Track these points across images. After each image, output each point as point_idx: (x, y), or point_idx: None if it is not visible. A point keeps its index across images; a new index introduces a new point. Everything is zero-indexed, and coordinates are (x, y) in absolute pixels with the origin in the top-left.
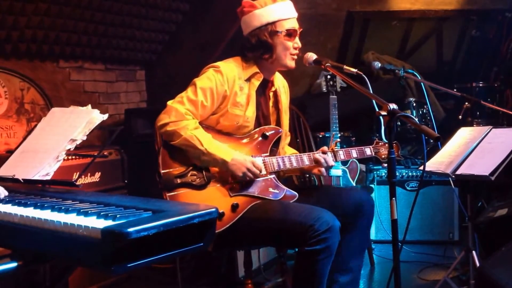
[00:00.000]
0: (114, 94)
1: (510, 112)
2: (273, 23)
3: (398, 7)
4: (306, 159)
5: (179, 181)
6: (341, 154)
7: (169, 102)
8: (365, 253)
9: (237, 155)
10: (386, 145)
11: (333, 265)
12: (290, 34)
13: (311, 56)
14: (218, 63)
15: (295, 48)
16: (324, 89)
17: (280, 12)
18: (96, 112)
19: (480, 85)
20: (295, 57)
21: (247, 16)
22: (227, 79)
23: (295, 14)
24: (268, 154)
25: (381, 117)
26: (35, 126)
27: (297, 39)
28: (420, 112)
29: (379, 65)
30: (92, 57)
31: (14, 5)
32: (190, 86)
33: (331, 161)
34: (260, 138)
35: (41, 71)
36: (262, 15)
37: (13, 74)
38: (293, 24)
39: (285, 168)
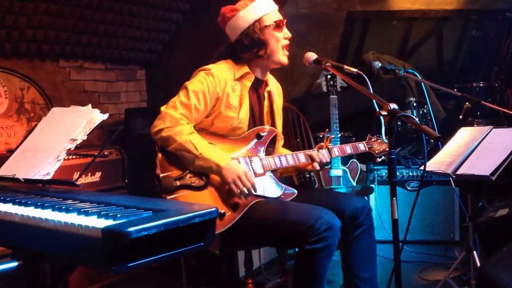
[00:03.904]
0: (114, 94)
1: (511, 112)
2: (259, 19)
3: (398, 6)
4: (302, 156)
5: (178, 183)
6: (336, 151)
7: (163, 108)
8: (376, 260)
9: (232, 162)
10: (379, 140)
11: (349, 279)
12: (278, 25)
13: (311, 55)
14: (209, 66)
15: (285, 38)
16: (325, 89)
17: (263, 7)
18: (97, 111)
19: (481, 85)
20: (286, 52)
21: (233, 20)
22: (218, 81)
23: (276, 6)
24: (264, 154)
25: (381, 117)
26: (36, 125)
27: (285, 29)
28: (421, 112)
29: (380, 65)
30: (92, 56)
31: (14, 4)
32: (182, 90)
33: (325, 157)
34: (255, 139)
35: (41, 70)
36: (247, 14)
37: (13, 74)
38: (278, 15)
39: (281, 167)
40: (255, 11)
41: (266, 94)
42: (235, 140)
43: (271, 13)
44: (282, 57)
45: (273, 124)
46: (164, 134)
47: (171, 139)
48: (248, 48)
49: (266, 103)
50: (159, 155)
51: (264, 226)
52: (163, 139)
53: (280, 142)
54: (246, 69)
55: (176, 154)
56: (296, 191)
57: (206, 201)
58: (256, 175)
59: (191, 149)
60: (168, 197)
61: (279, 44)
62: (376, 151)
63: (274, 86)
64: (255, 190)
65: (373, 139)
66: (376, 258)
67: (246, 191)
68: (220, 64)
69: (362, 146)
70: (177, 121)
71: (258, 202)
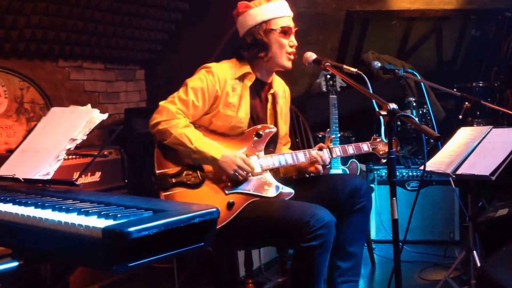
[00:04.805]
0: (114, 94)
1: (510, 112)
2: (268, 21)
3: (397, 6)
4: (301, 156)
5: (174, 180)
6: (337, 151)
7: (161, 102)
8: (365, 239)
9: (227, 152)
10: (384, 141)
11: (333, 251)
12: (285, 32)
13: (311, 55)
14: (210, 64)
15: (291, 47)
16: (324, 89)
17: (274, 10)
18: (96, 111)
19: (480, 84)
20: (292, 57)
21: (242, 17)
22: (218, 80)
23: (290, 13)
24: (263, 153)
25: (381, 117)
26: (35, 125)
27: (292, 38)
28: (420, 112)
29: (379, 64)
30: (91, 56)
31: (13, 4)
32: (182, 87)
33: (327, 159)
34: (254, 138)
35: (40, 70)
36: (257, 14)
37: (12, 74)
38: (288, 22)
39: (280, 166)
40: (265, 12)
41: (270, 96)
42: (234, 138)
43: (282, 18)
44: (285, 61)
45: (275, 126)
46: (161, 127)
47: (167, 132)
48: (249, 47)
49: (269, 105)
50: (157, 150)
51: (259, 224)
52: (159, 132)
53: (287, 145)
54: (247, 69)
55: (173, 148)
56: (293, 191)
57: (201, 199)
58: (253, 174)
59: (186, 143)
60: (163, 194)
61: (283, 50)
62: (381, 152)
63: (281, 89)
64: (254, 170)
65: (378, 140)
66: (365, 236)
67: (250, 176)
68: (222, 63)
69: (365, 147)
70: (173, 115)
71: (254, 201)
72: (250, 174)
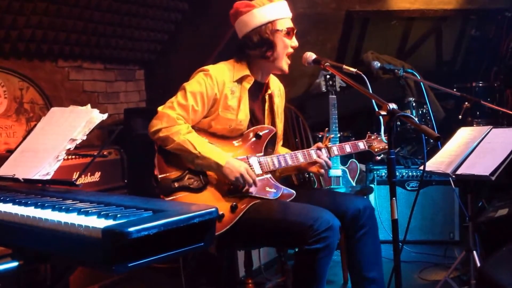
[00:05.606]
0: (114, 94)
1: (510, 112)
2: (273, 21)
3: (397, 6)
4: (300, 156)
5: (176, 185)
6: (335, 150)
7: (160, 108)
8: (381, 262)
9: (232, 159)
10: (379, 138)
11: (353, 281)
12: (288, 32)
13: (310, 55)
14: (208, 67)
15: (292, 47)
16: (324, 89)
17: (279, 11)
18: (96, 111)
19: (480, 84)
20: (289, 61)
21: (245, 16)
22: (216, 82)
23: (291, 14)
24: (262, 154)
25: (380, 117)
26: (35, 125)
27: (294, 38)
28: (420, 112)
29: (379, 64)
30: (91, 56)
31: (13, 4)
32: (180, 91)
33: (329, 161)
34: (253, 139)
35: (40, 70)
36: (262, 13)
37: (12, 74)
38: (290, 23)
39: (280, 167)
40: (270, 13)
41: (267, 96)
42: (233, 139)
43: (285, 19)
44: (284, 64)
45: (273, 126)
46: (162, 134)
47: (169, 139)
48: (256, 45)
49: (266, 106)
50: (157, 155)
51: (262, 227)
52: (161, 139)
53: (280, 143)
54: (246, 71)
55: (175, 153)
56: (294, 192)
57: (204, 202)
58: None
59: (190, 149)
60: (166, 199)
61: (285, 51)
62: (376, 149)
63: (277, 88)
64: (256, 185)
65: (372, 137)
66: (381, 257)
67: (250, 187)
68: (220, 65)
69: (362, 145)
70: (174, 121)
71: (256, 203)
72: (251, 185)
